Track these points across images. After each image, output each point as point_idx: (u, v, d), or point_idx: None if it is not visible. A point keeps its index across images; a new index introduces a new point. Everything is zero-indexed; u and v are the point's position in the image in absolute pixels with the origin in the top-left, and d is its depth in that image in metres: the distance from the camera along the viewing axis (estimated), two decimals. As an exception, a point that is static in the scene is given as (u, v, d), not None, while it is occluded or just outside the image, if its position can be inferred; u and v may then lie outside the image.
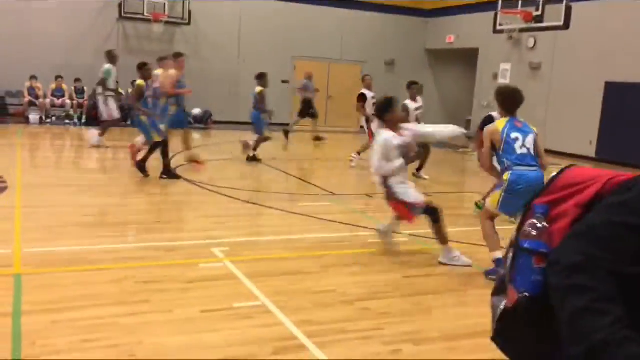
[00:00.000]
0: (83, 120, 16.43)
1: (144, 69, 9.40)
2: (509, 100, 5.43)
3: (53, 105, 16.30)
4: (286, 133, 15.06)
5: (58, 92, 16.36)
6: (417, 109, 10.38)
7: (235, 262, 5.17)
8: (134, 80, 17.00)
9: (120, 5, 16.97)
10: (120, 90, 13.25)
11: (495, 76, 18.11)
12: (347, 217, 7.21)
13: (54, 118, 16.25)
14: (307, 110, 15.67)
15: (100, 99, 12.40)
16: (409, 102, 10.32)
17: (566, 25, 12.73)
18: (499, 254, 4.99)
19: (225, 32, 18.66)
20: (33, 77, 16.08)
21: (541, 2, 13.11)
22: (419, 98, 10.59)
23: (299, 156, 14.07)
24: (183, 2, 17.62)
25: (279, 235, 6.28)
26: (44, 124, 15.78)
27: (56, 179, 8.85)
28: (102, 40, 17.27)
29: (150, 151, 8.90)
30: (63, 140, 14.03)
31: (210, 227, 6.38)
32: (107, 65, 12.38)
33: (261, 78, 11.65)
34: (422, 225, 7.00)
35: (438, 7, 20.83)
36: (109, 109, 12.29)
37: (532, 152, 5.16)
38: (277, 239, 6.14)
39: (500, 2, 14.19)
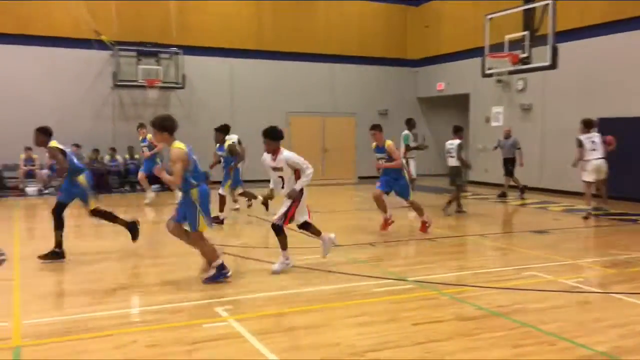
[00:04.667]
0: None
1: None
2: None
3: (50, 175, 16.33)
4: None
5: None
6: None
7: (240, 320, 5.05)
8: (131, 146, 17.31)
9: (114, 74, 17.27)
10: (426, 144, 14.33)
11: (488, 119, 18.30)
12: (350, 267, 7.11)
13: (52, 189, 16.23)
14: None
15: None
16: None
17: (553, 65, 12.93)
18: (221, 260, 6.38)
19: (218, 93, 18.95)
20: (28, 148, 16.15)
21: (527, 44, 13.35)
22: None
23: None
24: (177, 67, 17.95)
25: (282, 290, 6.16)
26: (43, 195, 15.78)
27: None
28: (98, 107, 17.53)
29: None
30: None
31: (212, 287, 6.26)
32: (405, 132, 13.35)
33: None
34: (428, 271, 6.92)
35: (427, 56, 21.26)
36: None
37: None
38: (280, 293, 6.01)
39: (487, 46, 14.45)
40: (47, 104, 16.58)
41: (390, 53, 21.42)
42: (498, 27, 14.43)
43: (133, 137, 17.41)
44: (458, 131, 11.97)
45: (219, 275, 6.36)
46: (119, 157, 17.41)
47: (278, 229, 6.88)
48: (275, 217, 6.93)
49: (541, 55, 13.21)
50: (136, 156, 17.59)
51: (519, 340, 4.64)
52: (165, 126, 6.17)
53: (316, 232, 7.25)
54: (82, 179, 7.76)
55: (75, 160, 7.95)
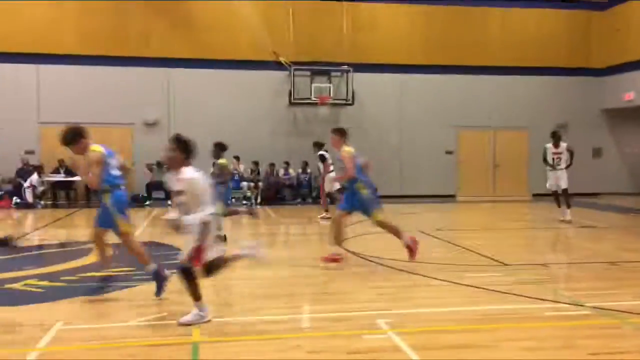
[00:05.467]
0: (258, 200, 17.57)
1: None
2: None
3: (234, 188, 17.70)
4: None
5: (234, 172, 17.81)
6: (555, 153, 12.86)
7: (400, 333, 5.02)
8: (305, 161, 18.16)
9: (290, 92, 18.28)
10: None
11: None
12: (520, 288, 6.72)
13: (233, 200, 17.54)
14: None
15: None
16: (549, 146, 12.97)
17: None
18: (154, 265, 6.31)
19: (387, 108, 19.15)
20: (215, 164, 17.69)
21: None
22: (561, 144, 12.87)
23: (465, 226, 13.62)
24: (347, 83, 18.50)
25: (446, 307, 6.01)
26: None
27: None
28: (275, 124, 18.65)
29: None
30: (239, 218, 15.01)
31: (374, 298, 6.31)
32: (546, 145, 13.30)
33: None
34: (608, 297, 6.31)
35: (613, 64, 19.53)
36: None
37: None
38: (444, 310, 5.87)
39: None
40: (231, 123, 18.01)
41: (571, 62, 20.04)
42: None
43: (306, 152, 18.29)
44: None
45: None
46: (291, 171, 18.34)
47: (187, 273, 5.30)
48: (182, 257, 5.37)
49: None
50: (309, 170, 18.39)
51: None
52: (81, 134, 6.18)
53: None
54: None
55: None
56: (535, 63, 19.71)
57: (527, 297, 6.31)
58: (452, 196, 19.37)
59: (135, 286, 6.93)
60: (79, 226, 12.61)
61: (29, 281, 7.08)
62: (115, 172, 6.37)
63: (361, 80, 18.51)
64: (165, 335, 5.08)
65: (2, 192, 16.76)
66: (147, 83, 18.01)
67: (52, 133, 17.20)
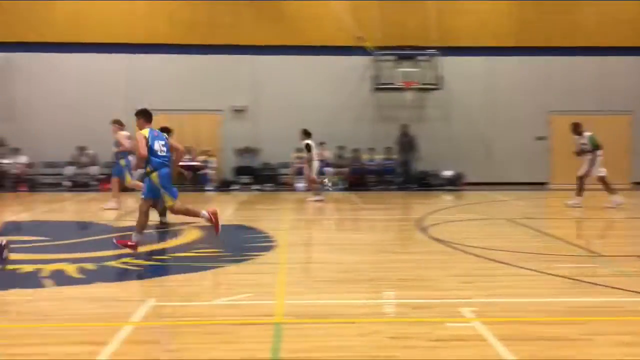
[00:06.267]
0: (344, 186, 17.63)
1: None
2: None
3: (321, 173, 17.88)
4: None
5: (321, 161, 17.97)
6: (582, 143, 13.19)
7: (485, 323, 4.88)
8: (389, 147, 18.03)
9: (374, 78, 18.13)
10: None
11: None
12: (615, 280, 6.35)
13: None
14: None
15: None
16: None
17: None
18: None
19: (475, 92, 18.58)
20: (299, 149, 17.92)
21: None
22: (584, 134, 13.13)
23: (557, 215, 13.05)
24: (434, 68, 18.10)
25: (534, 297, 5.78)
26: (309, 190, 17.31)
27: (318, 239, 9.55)
28: (359, 110, 18.58)
29: None
30: (326, 204, 15.13)
31: (459, 286, 6.17)
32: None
33: None
34: None
35: None
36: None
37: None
38: (532, 301, 5.65)
39: None
40: (315, 108, 18.15)
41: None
42: None
43: (391, 137, 18.12)
44: None
45: None
46: (376, 157, 18.27)
47: None
48: None
49: None
50: (394, 156, 18.21)
51: None
52: None
53: None
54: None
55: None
56: (633, 43, 18.41)
57: (622, 289, 5.95)
58: (544, 183, 18.60)
59: (222, 267, 7.16)
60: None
61: (126, 259, 7.48)
62: None
63: (448, 64, 18.05)
64: (250, 315, 5.22)
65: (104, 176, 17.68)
66: (235, 70, 18.44)
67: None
